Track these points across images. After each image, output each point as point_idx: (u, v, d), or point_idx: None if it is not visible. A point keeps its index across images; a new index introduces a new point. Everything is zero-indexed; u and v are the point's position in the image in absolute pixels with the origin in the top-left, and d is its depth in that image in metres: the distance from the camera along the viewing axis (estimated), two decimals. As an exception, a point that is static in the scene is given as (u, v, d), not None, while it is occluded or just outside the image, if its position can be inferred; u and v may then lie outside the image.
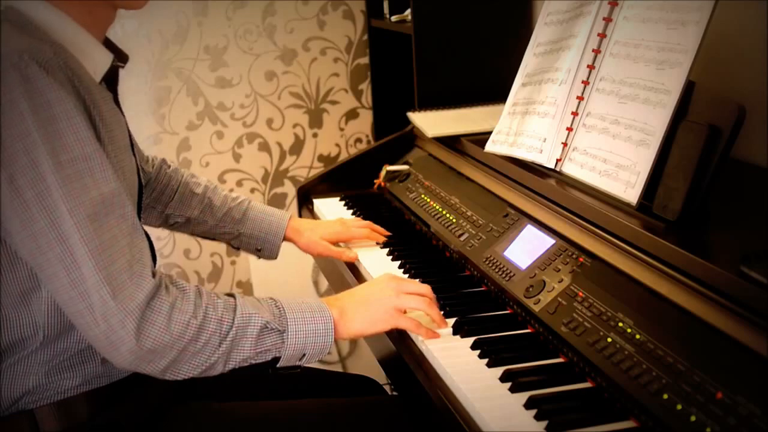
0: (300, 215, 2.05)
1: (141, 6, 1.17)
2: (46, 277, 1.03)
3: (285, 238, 1.60)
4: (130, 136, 1.24)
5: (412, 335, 1.24)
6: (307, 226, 1.62)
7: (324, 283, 2.68)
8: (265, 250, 1.61)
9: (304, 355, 1.15)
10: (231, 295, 1.14)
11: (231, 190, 2.65)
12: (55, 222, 0.99)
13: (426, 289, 1.26)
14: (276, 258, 1.63)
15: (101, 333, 1.01)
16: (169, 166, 1.58)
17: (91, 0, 1.11)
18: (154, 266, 1.24)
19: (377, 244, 1.63)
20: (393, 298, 1.21)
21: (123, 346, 1.02)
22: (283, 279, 2.66)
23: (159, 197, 1.55)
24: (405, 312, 1.23)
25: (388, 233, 1.65)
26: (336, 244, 1.62)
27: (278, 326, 1.12)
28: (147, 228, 1.25)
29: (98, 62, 1.14)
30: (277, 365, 1.15)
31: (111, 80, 1.18)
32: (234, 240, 1.60)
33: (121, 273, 1.02)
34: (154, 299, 1.04)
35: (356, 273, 1.55)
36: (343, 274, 1.56)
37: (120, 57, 1.21)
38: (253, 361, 1.12)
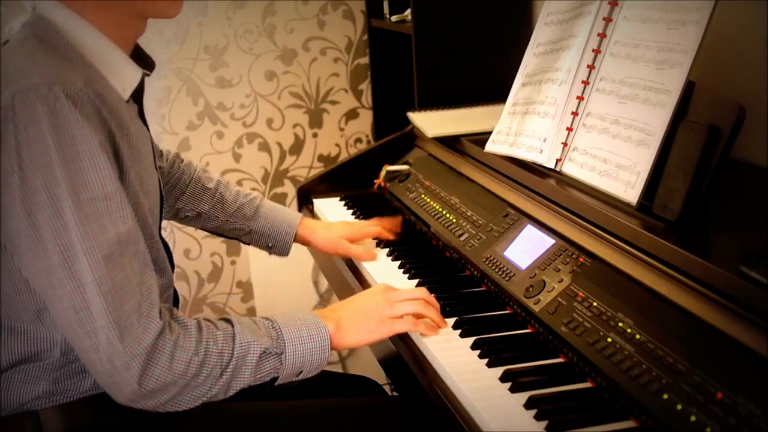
0: (300, 215, 2.05)
1: (174, 14, 1.15)
2: (54, 312, 1.03)
3: (299, 238, 1.60)
4: (153, 149, 1.23)
5: (413, 335, 1.24)
6: (322, 225, 1.62)
7: (324, 283, 2.68)
8: (276, 247, 1.60)
9: (301, 371, 1.16)
10: (227, 320, 1.13)
11: (231, 190, 2.65)
12: (69, 260, 0.99)
13: (420, 292, 1.26)
14: (287, 254, 1.62)
15: (105, 372, 1.02)
16: (182, 161, 1.58)
17: (121, 11, 1.10)
18: (172, 271, 1.24)
19: (378, 245, 1.63)
20: (387, 308, 1.22)
21: (126, 387, 1.02)
22: (283, 279, 2.66)
23: (171, 191, 1.55)
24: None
25: (397, 229, 1.65)
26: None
27: (276, 350, 1.12)
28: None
29: (127, 79, 1.13)
30: (275, 384, 1.15)
31: (137, 91, 1.17)
32: (245, 236, 1.60)
33: (130, 314, 1.01)
34: (159, 339, 1.03)
35: (357, 273, 1.55)
36: (344, 275, 1.56)
37: (147, 64, 1.20)
38: (252, 384, 1.12)
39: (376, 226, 1.63)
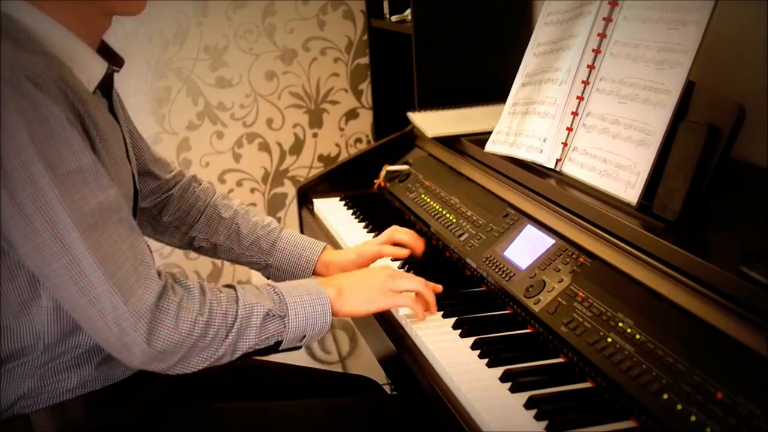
0: (300, 215, 2.05)
1: (137, 12, 1.15)
2: (53, 287, 1.04)
3: (317, 273, 1.49)
4: (125, 142, 1.22)
5: (412, 335, 1.24)
6: (340, 260, 1.48)
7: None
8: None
9: (304, 336, 1.18)
10: (231, 286, 1.15)
11: (231, 191, 2.65)
12: (58, 234, 1.00)
13: (420, 279, 1.29)
14: None
15: (113, 336, 1.03)
16: (200, 184, 1.52)
17: (85, 8, 1.10)
18: None
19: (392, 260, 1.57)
20: (388, 281, 1.25)
21: (136, 348, 1.03)
22: (283, 279, 2.66)
23: (184, 218, 1.49)
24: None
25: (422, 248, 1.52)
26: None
27: (279, 312, 1.14)
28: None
29: (92, 72, 1.12)
30: (279, 348, 1.17)
31: (106, 87, 1.17)
32: (263, 270, 1.52)
33: (128, 277, 1.03)
34: (162, 300, 1.05)
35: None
36: (343, 274, 1.56)
37: (115, 61, 1.20)
38: (258, 347, 1.14)
39: (418, 240, 1.49)
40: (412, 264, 1.49)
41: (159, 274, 1.07)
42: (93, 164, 1.03)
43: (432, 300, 1.28)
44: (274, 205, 2.72)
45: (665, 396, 0.91)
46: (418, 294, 1.27)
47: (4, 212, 1.00)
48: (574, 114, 1.40)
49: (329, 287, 1.21)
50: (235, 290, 1.14)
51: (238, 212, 1.50)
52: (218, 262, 2.70)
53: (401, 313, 1.30)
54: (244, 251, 1.49)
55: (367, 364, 2.70)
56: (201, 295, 1.10)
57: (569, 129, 1.40)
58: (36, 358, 1.11)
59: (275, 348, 1.17)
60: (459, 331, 1.23)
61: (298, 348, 1.20)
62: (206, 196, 1.51)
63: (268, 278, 1.53)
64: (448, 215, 1.60)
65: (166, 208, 1.48)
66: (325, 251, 1.49)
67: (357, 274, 1.28)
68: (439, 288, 1.31)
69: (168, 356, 1.06)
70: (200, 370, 1.11)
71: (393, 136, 2.05)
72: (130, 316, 1.02)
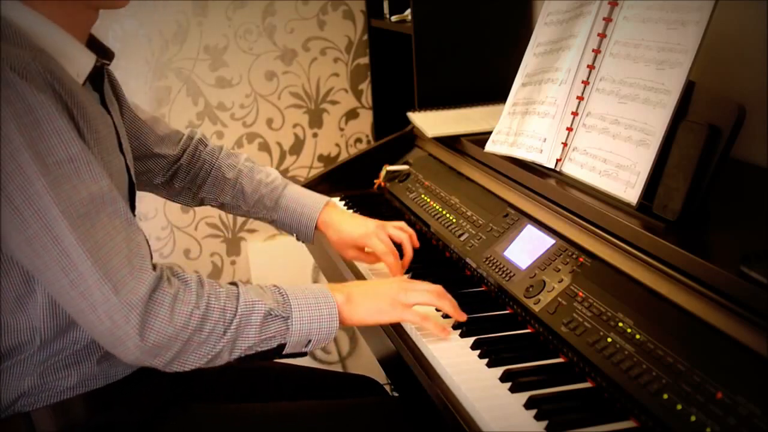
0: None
1: (121, 5, 1.15)
2: (45, 280, 1.03)
3: (320, 229, 1.54)
4: (118, 135, 1.22)
5: (412, 334, 1.24)
6: (337, 223, 1.51)
7: (324, 283, 2.67)
8: (300, 236, 1.57)
9: (309, 341, 1.15)
10: (233, 283, 1.14)
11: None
12: (48, 225, 0.99)
13: (436, 286, 1.25)
14: (312, 242, 1.56)
15: (106, 330, 1.02)
16: (206, 146, 1.56)
17: (70, 2, 1.10)
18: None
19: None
20: (400, 293, 1.22)
21: (129, 341, 1.02)
22: (282, 279, 2.65)
23: (193, 181, 1.55)
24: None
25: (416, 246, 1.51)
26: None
27: (282, 313, 1.12)
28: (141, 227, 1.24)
29: (80, 64, 1.12)
30: (283, 352, 1.15)
31: (97, 80, 1.17)
32: (271, 224, 1.58)
33: (120, 269, 1.02)
34: (156, 292, 1.04)
35: (357, 274, 1.55)
36: (344, 275, 1.56)
37: (105, 55, 1.20)
38: (259, 349, 1.12)
39: (389, 253, 1.44)
40: (412, 265, 1.49)
41: (155, 267, 1.06)
42: (83, 153, 1.02)
43: (450, 309, 1.23)
44: (274, 205, 2.71)
45: (665, 396, 0.91)
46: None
47: None
48: (574, 114, 1.40)
49: (339, 293, 1.19)
50: (237, 287, 1.13)
51: (242, 171, 1.55)
52: (218, 261, 2.70)
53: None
54: (251, 208, 1.55)
55: (367, 364, 2.70)
56: (199, 288, 1.08)
57: (569, 129, 1.40)
58: (34, 354, 1.11)
59: (279, 352, 1.14)
60: (459, 331, 1.23)
61: (303, 354, 1.18)
62: (212, 159, 1.55)
63: (278, 230, 1.58)
64: (448, 215, 1.60)
65: (176, 176, 1.54)
66: (327, 208, 1.52)
67: (368, 283, 1.26)
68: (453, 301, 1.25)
69: (163, 351, 1.05)
70: (201, 369, 1.10)
71: (393, 136, 2.05)
72: (122, 308, 1.00)
